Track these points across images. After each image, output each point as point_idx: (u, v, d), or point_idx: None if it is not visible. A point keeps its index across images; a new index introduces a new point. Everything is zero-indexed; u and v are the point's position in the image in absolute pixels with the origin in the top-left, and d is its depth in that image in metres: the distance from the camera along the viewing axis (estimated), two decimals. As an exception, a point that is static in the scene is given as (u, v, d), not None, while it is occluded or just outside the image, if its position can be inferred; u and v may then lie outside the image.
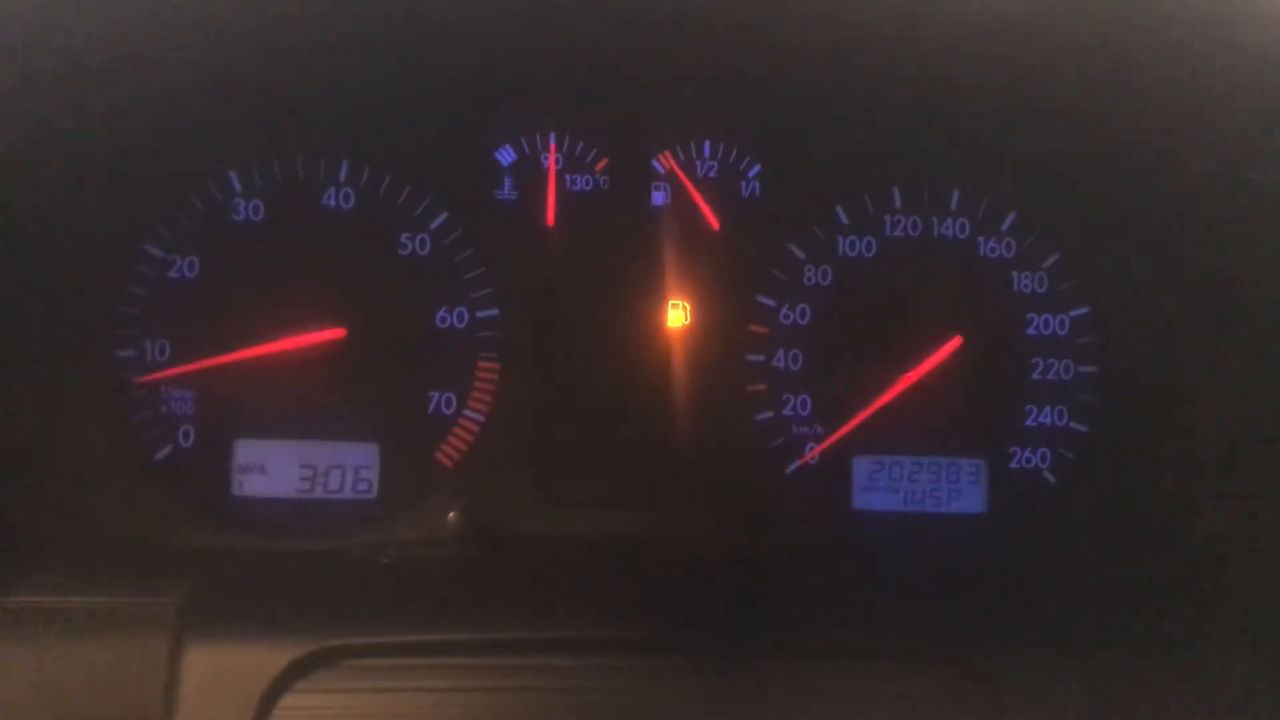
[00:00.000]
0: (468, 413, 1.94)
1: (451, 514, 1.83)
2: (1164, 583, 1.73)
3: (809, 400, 1.96)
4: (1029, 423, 1.95)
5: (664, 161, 1.97)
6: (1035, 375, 1.94)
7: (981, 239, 1.95)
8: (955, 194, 1.95)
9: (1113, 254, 1.91)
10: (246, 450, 1.92)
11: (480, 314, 1.94)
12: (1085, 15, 1.47)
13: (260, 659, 1.40)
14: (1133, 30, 1.46)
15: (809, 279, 1.96)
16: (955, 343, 1.91)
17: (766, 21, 1.61)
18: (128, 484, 1.88)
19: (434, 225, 1.94)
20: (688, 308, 1.94)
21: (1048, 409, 1.95)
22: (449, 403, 1.94)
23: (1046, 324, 1.95)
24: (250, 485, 1.92)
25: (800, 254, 1.96)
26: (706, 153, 1.97)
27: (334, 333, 1.90)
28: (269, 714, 1.37)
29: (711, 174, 1.97)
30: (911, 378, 1.90)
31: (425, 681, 1.42)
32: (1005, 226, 1.95)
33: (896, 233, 1.96)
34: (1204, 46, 1.44)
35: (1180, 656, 1.51)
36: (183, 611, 1.49)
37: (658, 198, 1.97)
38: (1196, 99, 1.55)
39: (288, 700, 1.39)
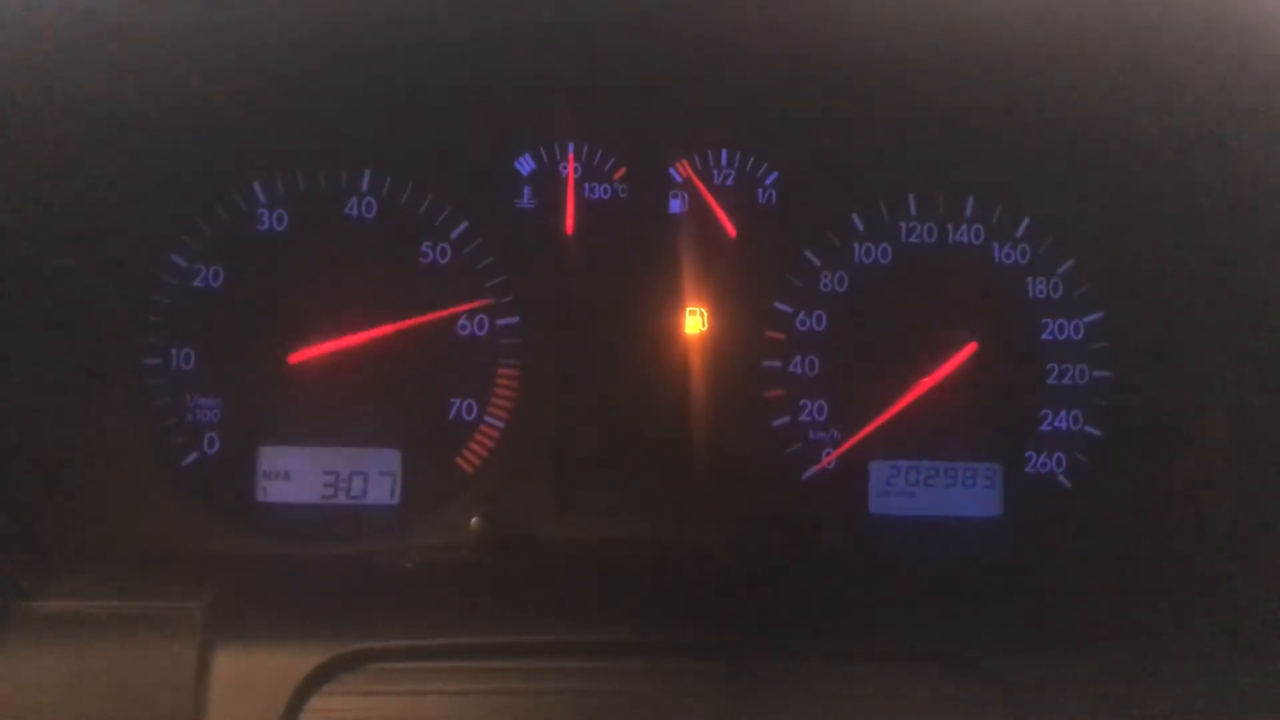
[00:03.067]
0: (488, 419, 1.95)
1: (474, 519, 1.85)
2: (1179, 586, 1.73)
3: (826, 406, 1.97)
4: (1044, 427, 1.96)
5: (681, 169, 1.98)
6: (1050, 380, 1.95)
7: (996, 245, 1.96)
8: (970, 200, 1.96)
9: (1127, 259, 1.92)
10: (271, 457, 1.95)
11: (500, 322, 1.96)
12: (1100, 24, 1.48)
13: (287, 662, 1.42)
14: (1147, 40, 1.47)
15: (825, 285, 1.97)
16: (971, 348, 1.92)
17: (782, 30, 1.62)
18: (154, 490, 1.90)
19: (454, 234, 1.96)
20: (705, 314, 1.95)
21: (1063, 414, 1.96)
22: (470, 409, 1.96)
23: (1061, 329, 1.95)
24: (275, 491, 1.94)
25: (817, 261, 1.97)
26: (724, 161, 1.98)
27: (357, 339, 1.92)
28: (296, 716, 1.39)
29: (728, 182, 1.98)
30: (927, 383, 1.91)
31: (448, 684, 1.44)
32: (1020, 232, 1.96)
33: (912, 239, 1.97)
34: (1218, 56, 1.45)
35: (1196, 659, 1.51)
36: (210, 615, 1.51)
37: (675, 205, 1.98)
38: (1211, 106, 1.56)
39: (314, 703, 1.41)
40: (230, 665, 1.44)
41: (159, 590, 1.59)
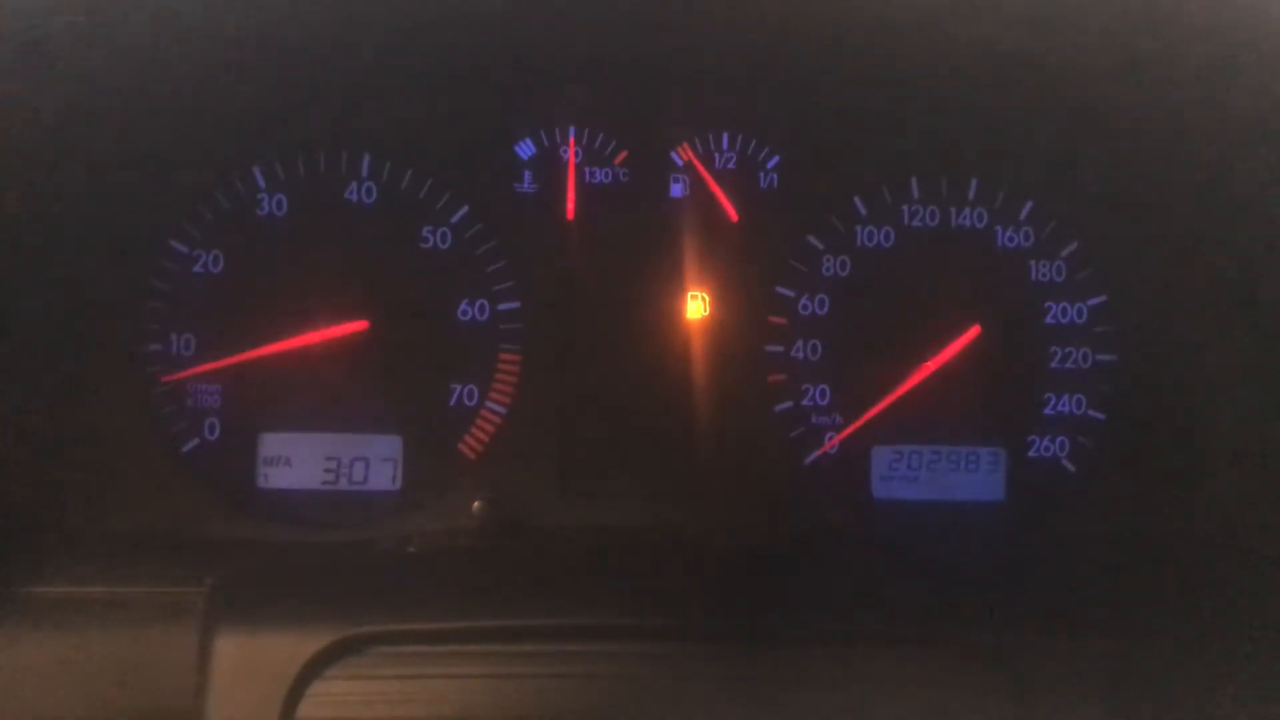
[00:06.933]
0: (490, 405, 1.95)
1: (476, 504, 1.85)
2: (1182, 569, 1.73)
3: (828, 390, 1.96)
4: (1048, 411, 1.95)
5: (682, 154, 1.97)
6: (1054, 364, 1.95)
7: (999, 228, 1.96)
8: (973, 184, 1.96)
9: (1130, 242, 1.91)
10: (271, 443, 1.94)
11: (501, 306, 1.95)
12: (1103, 7, 1.47)
13: (289, 646, 1.42)
14: (1150, 22, 1.47)
15: (828, 270, 1.97)
16: (974, 332, 1.92)
17: (784, 14, 1.61)
18: (155, 477, 1.90)
19: (455, 219, 1.95)
20: (707, 299, 1.95)
21: (1066, 397, 1.95)
22: (471, 395, 1.95)
23: (1065, 312, 1.95)
24: (275, 478, 1.94)
25: (819, 245, 1.97)
26: (725, 145, 1.97)
27: (357, 325, 1.92)
28: (298, 700, 1.39)
29: (730, 166, 1.98)
30: (930, 367, 1.91)
31: (450, 668, 1.44)
32: (1023, 216, 1.95)
33: (915, 223, 1.96)
34: (1222, 37, 1.44)
35: (1199, 642, 1.51)
36: (212, 600, 1.51)
37: (676, 190, 1.97)
38: (1214, 89, 1.55)
39: (316, 687, 1.40)
40: (232, 649, 1.44)
41: (160, 576, 1.59)
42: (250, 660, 1.43)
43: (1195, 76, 1.55)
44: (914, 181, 1.96)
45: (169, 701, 1.45)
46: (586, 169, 1.97)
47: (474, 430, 1.95)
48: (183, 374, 1.92)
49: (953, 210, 1.96)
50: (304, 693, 1.40)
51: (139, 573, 1.60)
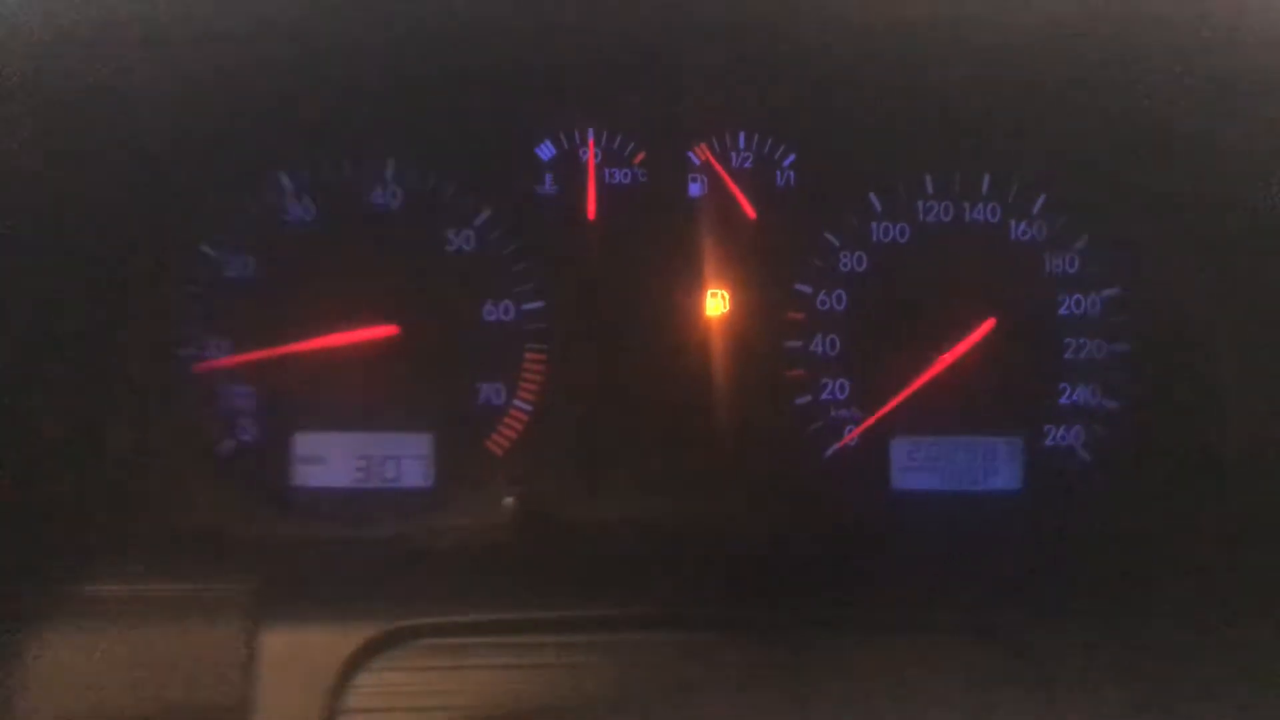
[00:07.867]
0: (517, 403, 1.98)
1: (507, 499, 1.89)
2: (1198, 557, 1.75)
3: (847, 384, 1.99)
4: (1063, 401, 1.97)
5: (700, 153, 1.99)
6: (1068, 354, 1.97)
7: (1013, 222, 1.98)
8: (986, 178, 1.97)
9: (1143, 234, 1.93)
10: (305, 443, 1.97)
11: (526, 307, 1.98)
12: (1116, 9, 1.49)
13: (333, 640, 1.46)
14: (1163, 17, 1.49)
15: (845, 265, 1.99)
16: (989, 324, 1.94)
17: (798, 12, 1.63)
18: (193, 477, 1.93)
19: (478, 221, 1.98)
20: (726, 296, 1.97)
21: (1081, 387, 1.97)
22: (498, 393, 1.98)
23: (1078, 304, 1.97)
24: (309, 476, 1.97)
25: (835, 241, 1.99)
26: (741, 144, 2.00)
27: (387, 329, 1.94)
28: (343, 691, 1.44)
29: (747, 164, 2.00)
30: (947, 359, 1.93)
31: (486, 659, 1.49)
32: (1036, 209, 1.97)
33: (929, 218, 1.98)
34: (1234, 33, 1.46)
35: (1217, 630, 1.54)
36: (258, 596, 1.55)
37: (695, 189, 2.00)
38: (1226, 81, 1.57)
39: (359, 679, 1.45)
40: (278, 643, 1.48)
41: (205, 573, 1.62)
42: (295, 654, 1.47)
43: (1207, 78, 1.57)
44: (928, 177, 1.98)
45: (216, 696, 1.49)
46: (606, 170, 1.99)
47: (501, 428, 1.98)
48: (216, 363, 1.95)
49: (967, 205, 1.98)
50: (348, 684, 1.44)
51: (184, 570, 1.64)
